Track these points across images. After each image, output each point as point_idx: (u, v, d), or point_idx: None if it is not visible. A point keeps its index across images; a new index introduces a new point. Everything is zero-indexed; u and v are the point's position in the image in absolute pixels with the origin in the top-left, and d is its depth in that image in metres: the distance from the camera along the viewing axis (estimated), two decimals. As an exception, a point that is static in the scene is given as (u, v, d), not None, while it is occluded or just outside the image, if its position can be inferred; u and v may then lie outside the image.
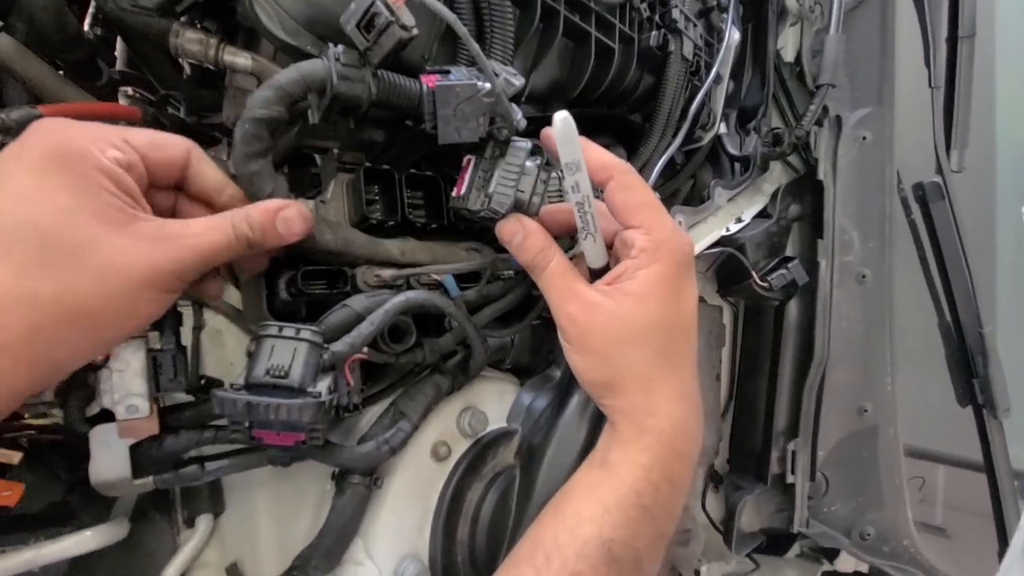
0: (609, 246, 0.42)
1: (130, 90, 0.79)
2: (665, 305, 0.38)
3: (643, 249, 0.38)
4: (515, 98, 0.47)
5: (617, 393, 0.38)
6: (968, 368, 0.79)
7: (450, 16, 0.35)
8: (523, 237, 0.40)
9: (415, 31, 0.37)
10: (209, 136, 0.74)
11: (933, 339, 0.81)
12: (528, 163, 0.41)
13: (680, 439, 0.38)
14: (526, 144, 0.40)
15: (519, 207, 0.41)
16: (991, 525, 0.85)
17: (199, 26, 0.50)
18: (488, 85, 0.38)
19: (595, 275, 0.41)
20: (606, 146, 0.73)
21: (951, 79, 0.75)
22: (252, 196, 0.37)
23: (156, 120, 0.62)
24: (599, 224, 0.39)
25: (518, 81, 0.39)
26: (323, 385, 0.33)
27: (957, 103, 0.74)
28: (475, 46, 0.36)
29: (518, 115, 0.41)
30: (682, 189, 0.85)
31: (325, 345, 0.34)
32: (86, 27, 0.69)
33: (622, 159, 0.40)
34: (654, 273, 0.37)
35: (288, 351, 0.33)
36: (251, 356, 0.33)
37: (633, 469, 0.37)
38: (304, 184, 0.57)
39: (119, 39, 0.70)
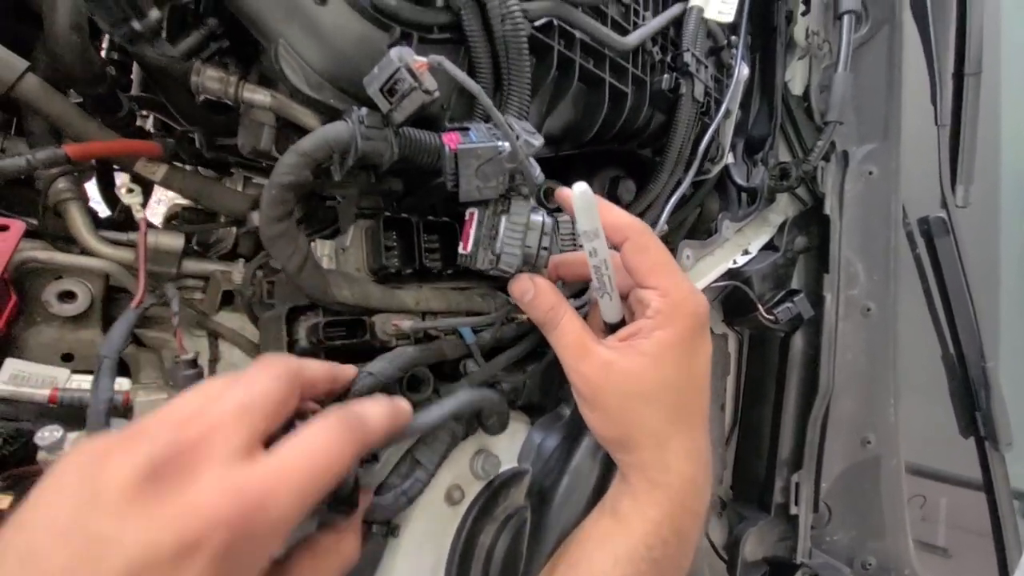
0: (624, 297, 0.43)
1: (146, 112, 0.80)
2: (679, 365, 0.38)
3: (659, 311, 0.38)
4: None
5: (631, 449, 0.39)
6: (971, 401, 0.79)
7: (474, 87, 0.36)
8: (533, 295, 0.41)
9: (437, 94, 0.38)
10: (224, 163, 0.75)
11: (937, 371, 0.82)
12: (533, 217, 0.41)
13: (690, 496, 0.39)
14: (529, 200, 0.41)
15: (527, 262, 0.42)
16: (993, 545, 0.86)
17: (218, 58, 0.51)
18: (508, 146, 0.38)
19: (610, 328, 0.42)
20: (616, 178, 0.75)
21: (957, 116, 0.76)
22: (275, 255, 0.38)
23: (175, 155, 0.64)
24: (615, 282, 0.40)
25: (537, 141, 0.40)
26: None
27: (963, 140, 0.75)
28: (499, 115, 0.37)
29: (536, 170, 0.42)
30: (689, 218, 0.86)
31: None
32: (103, 52, 0.70)
33: (636, 217, 0.41)
34: (670, 334, 0.38)
35: None
36: None
37: (644, 523, 0.37)
38: (320, 218, 0.58)
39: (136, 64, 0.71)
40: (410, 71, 0.36)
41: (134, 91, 0.73)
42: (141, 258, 0.43)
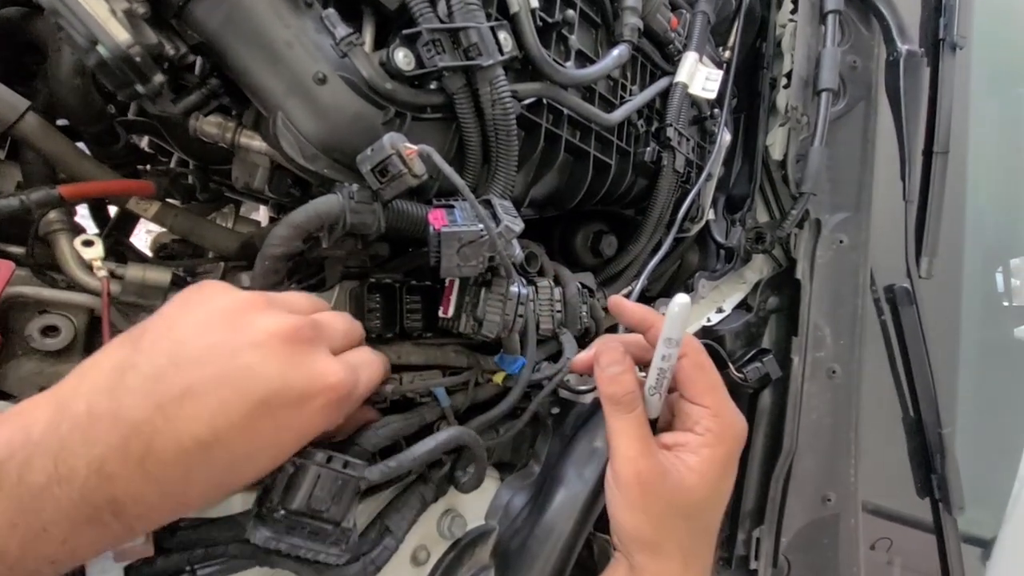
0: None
1: (146, 142, 0.81)
2: (720, 485, 0.40)
3: (710, 430, 0.39)
4: (516, 205, 0.50)
5: (657, 557, 0.39)
6: (927, 464, 0.83)
7: (459, 183, 0.38)
8: (621, 371, 0.40)
9: (424, 178, 0.40)
10: (217, 196, 0.76)
11: (898, 433, 0.85)
12: (511, 288, 0.44)
13: None
14: (510, 275, 0.44)
15: (505, 327, 0.44)
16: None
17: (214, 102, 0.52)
18: (492, 229, 0.41)
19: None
20: (599, 232, 0.77)
21: (925, 192, 0.80)
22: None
23: (168, 193, 0.65)
24: (666, 388, 0.41)
25: (517, 227, 0.42)
26: (351, 517, 0.35)
27: (929, 215, 0.79)
28: (482, 211, 0.40)
29: (516, 250, 0.44)
30: (669, 270, 0.89)
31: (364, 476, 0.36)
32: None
33: (694, 338, 0.43)
34: (718, 453, 0.39)
35: (331, 484, 0.34)
36: (293, 479, 0.33)
37: None
38: (306, 266, 0.60)
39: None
40: (400, 157, 0.38)
41: (130, 115, 0.74)
42: (105, 327, 0.44)
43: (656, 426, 0.42)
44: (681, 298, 0.36)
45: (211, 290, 0.32)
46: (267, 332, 0.29)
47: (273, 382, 0.28)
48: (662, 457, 0.39)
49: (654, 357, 0.40)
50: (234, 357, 0.28)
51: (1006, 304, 1.26)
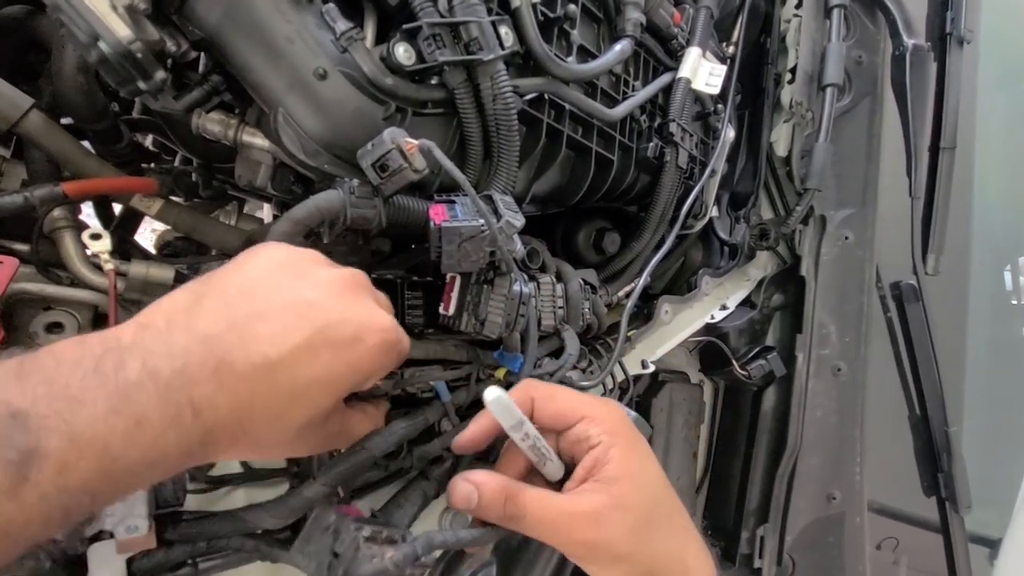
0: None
1: (150, 142, 0.81)
2: (647, 467, 0.38)
3: (600, 433, 0.37)
4: (517, 201, 0.50)
5: None
6: (934, 463, 0.82)
7: (460, 178, 0.38)
8: (479, 495, 0.36)
9: (425, 172, 0.40)
10: (221, 194, 0.77)
11: (904, 431, 0.85)
12: (514, 288, 0.44)
13: None
14: (512, 276, 0.43)
15: (508, 326, 0.44)
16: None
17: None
18: (492, 224, 0.40)
19: (556, 486, 0.39)
20: (602, 229, 0.77)
21: (931, 188, 0.79)
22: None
23: (172, 191, 0.65)
24: (549, 447, 0.38)
25: (518, 222, 0.42)
26: None
27: (935, 211, 0.79)
28: (483, 206, 0.39)
29: (517, 245, 0.44)
30: (672, 267, 0.89)
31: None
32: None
33: (523, 380, 0.41)
34: (622, 446, 0.37)
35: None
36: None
37: None
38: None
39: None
40: (401, 152, 0.38)
41: (134, 114, 0.74)
42: (112, 320, 0.44)
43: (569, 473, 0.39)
44: (490, 393, 0.34)
45: (273, 246, 0.34)
46: (327, 279, 0.32)
47: (332, 314, 0.31)
48: (588, 503, 0.36)
49: (518, 445, 0.37)
50: (298, 292, 0.31)
51: (1014, 302, 1.25)
